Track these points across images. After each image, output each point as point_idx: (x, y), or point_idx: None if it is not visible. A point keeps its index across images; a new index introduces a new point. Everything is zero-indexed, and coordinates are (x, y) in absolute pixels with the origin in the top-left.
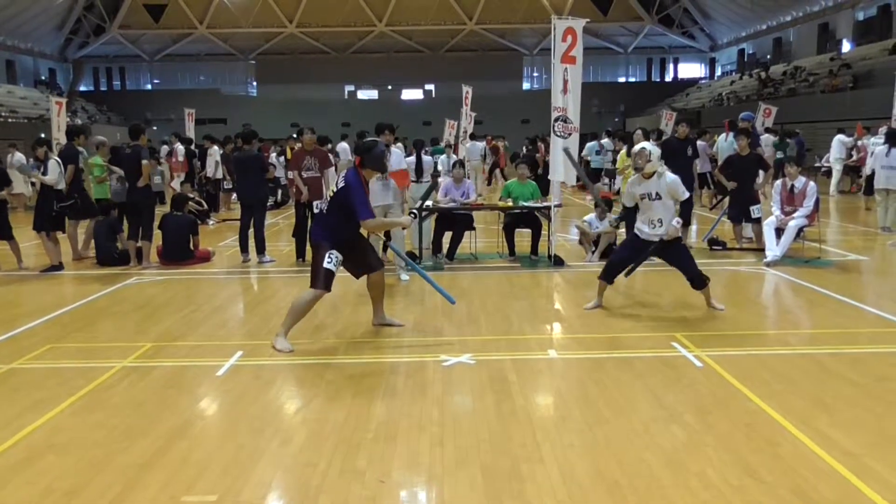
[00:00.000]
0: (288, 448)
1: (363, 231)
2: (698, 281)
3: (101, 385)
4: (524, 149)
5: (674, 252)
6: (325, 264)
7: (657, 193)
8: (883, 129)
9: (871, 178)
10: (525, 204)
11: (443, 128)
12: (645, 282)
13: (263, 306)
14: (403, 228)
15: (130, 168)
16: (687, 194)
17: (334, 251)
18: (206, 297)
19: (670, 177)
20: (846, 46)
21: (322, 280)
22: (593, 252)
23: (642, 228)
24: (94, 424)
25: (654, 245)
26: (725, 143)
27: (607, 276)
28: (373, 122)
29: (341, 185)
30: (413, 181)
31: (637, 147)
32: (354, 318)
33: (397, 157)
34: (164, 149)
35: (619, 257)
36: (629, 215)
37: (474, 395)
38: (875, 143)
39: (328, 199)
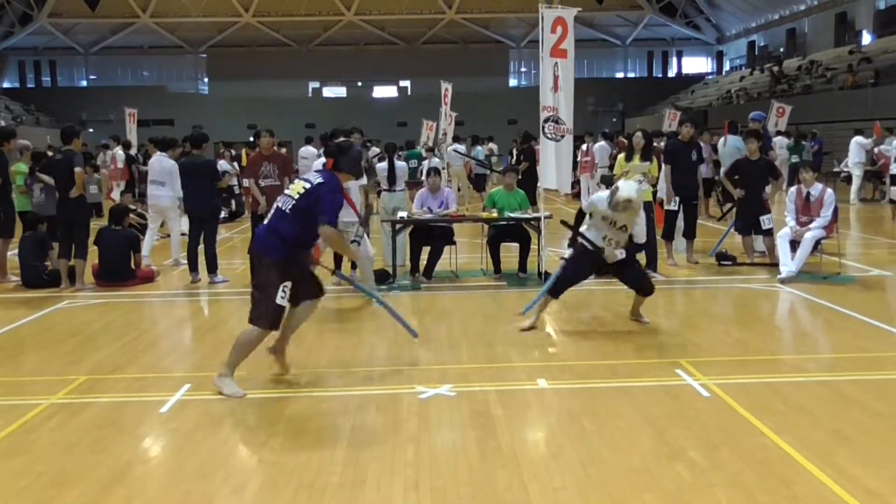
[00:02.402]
0: (242, 495)
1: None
2: (648, 291)
3: (25, 425)
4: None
5: (627, 271)
6: (279, 300)
7: (624, 226)
8: None
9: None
10: (511, 215)
11: (419, 129)
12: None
13: (215, 333)
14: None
15: (62, 176)
16: (644, 239)
17: (288, 282)
18: (149, 322)
19: (641, 217)
20: (866, 38)
21: (270, 318)
22: None
23: (595, 243)
24: (16, 471)
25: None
26: (726, 149)
27: (554, 292)
28: (341, 123)
29: (318, 181)
30: (385, 190)
31: (622, 197)
32: (318, 344)
33: None
34: (109, 154)
35: (568, 272)
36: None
37: (454, 431)
38: None
39: (295, 197)
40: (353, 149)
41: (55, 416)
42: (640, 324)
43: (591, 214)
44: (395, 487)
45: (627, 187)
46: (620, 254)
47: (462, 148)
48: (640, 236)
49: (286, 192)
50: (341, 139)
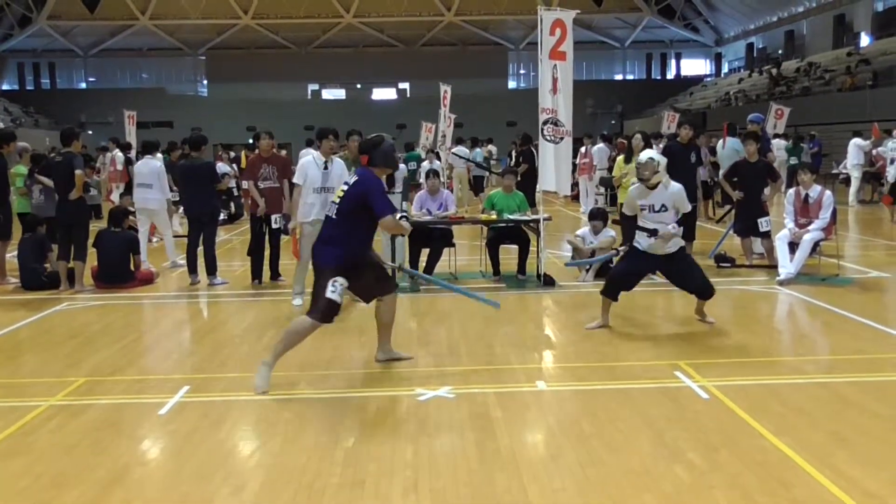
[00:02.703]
0: (241, 496)
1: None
2: (707, 293)
3: (24, 427)
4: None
5: (680, 266)
6: (329, 294)
7: (663, 205)
8: None
9: (893, 186)
10: (510, 217)
11: (419, 131)
12: (645, 303)
13: (214, 335)
14: (402, 235)
15: (62, 178)
16: (690, 206)
17: (339, 278)
18: (149, 324)
19: (675, 186)
20: (864, 40)
21: (321, 311)
22: (587, 271)
23: (640, 241)
24: (16, 472)
25: (657, 259)
26: (724, 151)
27: (609, 293)
28: (340, 125)
29: (353, 180)
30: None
31: (644, 157)
32: (318, 345)
33: (340, 169)
34: (108, 156)
35: (620, 271)
36: (629, 226)
37: (453, 433)
38: (893, 149)
39: (338, 202)
40: (384, 143)
41: (54, 417)
42: (706, 323)
43: (629, 218)
44: (394, 488)
45: (645, 152)
46: (673, 228)
47: (465, 150)
48: (684, 204)
49: (331, 200)
50: (373, 135)
